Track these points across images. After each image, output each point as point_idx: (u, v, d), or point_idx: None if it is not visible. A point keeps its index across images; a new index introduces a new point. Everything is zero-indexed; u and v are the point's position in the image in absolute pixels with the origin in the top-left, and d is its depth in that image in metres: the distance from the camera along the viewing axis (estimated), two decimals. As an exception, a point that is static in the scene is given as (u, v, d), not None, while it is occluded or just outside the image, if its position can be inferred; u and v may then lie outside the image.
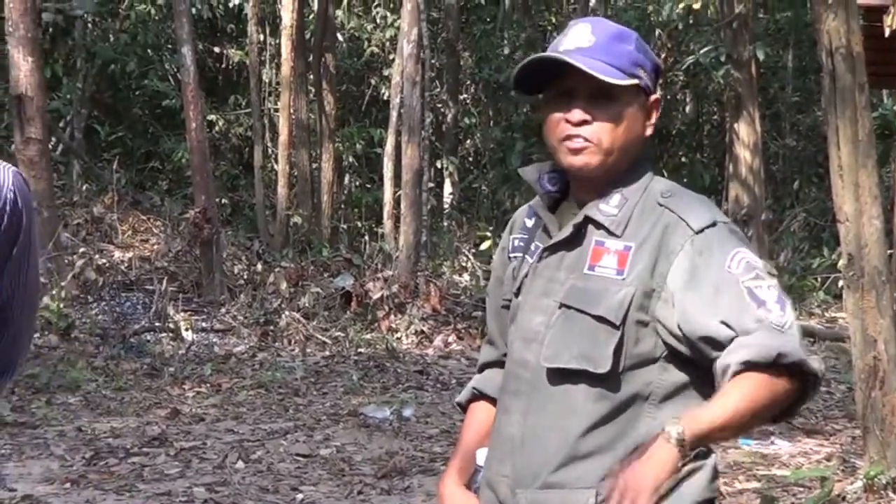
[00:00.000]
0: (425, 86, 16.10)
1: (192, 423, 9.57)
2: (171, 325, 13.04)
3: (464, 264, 16.50)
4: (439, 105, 23.41)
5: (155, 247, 16.17)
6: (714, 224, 2.50)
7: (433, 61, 19.22)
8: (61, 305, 12.71)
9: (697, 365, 2.49)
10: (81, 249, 14.72)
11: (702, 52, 20.00)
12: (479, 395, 2.89)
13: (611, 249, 2.53)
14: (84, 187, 18.50)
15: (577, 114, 2.52)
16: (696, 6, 16.49)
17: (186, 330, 12.97)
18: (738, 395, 2.38)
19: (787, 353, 2.39)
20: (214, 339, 13.10)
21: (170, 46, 22.15)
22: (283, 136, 19.72)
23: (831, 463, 8.26)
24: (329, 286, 14.60)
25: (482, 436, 2.79)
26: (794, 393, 2.43)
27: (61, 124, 20.26)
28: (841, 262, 8.12)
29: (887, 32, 8.16)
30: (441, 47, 23.81)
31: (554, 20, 26.07)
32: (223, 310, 13.89)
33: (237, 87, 23.90)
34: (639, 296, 2.48)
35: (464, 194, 24.56)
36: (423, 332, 13.75)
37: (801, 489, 7.58)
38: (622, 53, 2.55)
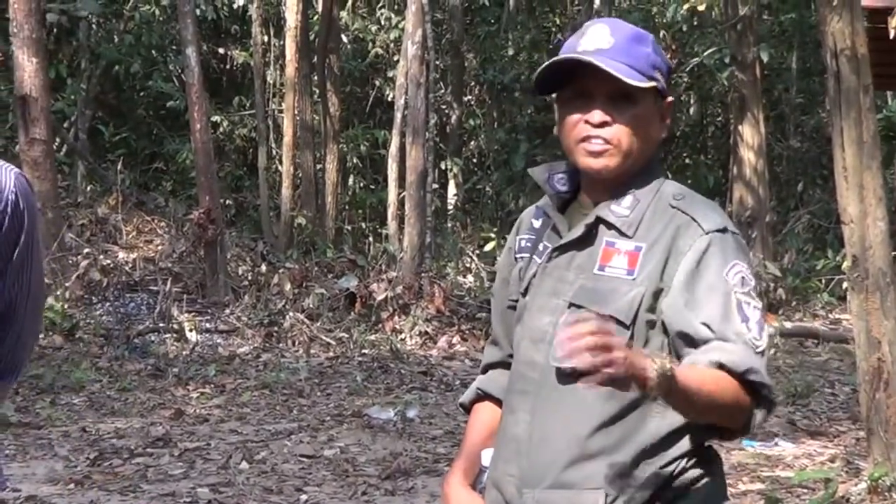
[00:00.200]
0: (429, 87, 16.10)
1: (196, 424, 9.58)
2: (176, 326, 13.05)
3: (468, 265, 16.49)
4: (443, 106, 23.39)
5: (159, 248, 16.17)
6: (724, 230, 2.52)
7: (437, 63, 19.23)
8: (65, 306, 12.73)
9: None
10: (86, 250, 14.73)
11: (706, 53, 20.01)
12: (483, 396, 2.88)
13: (621, 250, 2.54)
14: (88, 188, 18.50)
15: (597, 115, 2.53)
16: (701, 8, 16.47)
17: (190, 331, 12.98)
18: (710, 378, 2.38)
19: (757, 372, 2.42)
20: (218, 340, 13.10)
21: (174, 47, 22.13)
22: (288, 137, 19.72)
23: (835, 464, 8.26)
24: (333, 287, 14.60)
25: (487, 436, 2.79)
26: (746, 414, 2.45)
27: (65, 125, 20.26)
28: (845, 264, 8.12)
29: (892, 34, 8.14)
30: (445, 49, 23.79)
31: (558, 21, 26.07)
32: (227, 311, 13.89)
33: (241, 89, 23.89)
34: (648, 296, 2.49)
35: (468, 195, 24.54)
36: (427, 333, 13.74)
37: (805, 491, 7.58)
38: (641, 56, 2.55)
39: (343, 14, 22.63)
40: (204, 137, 14.91)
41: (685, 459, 2.51)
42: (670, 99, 2.65)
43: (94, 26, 21.54)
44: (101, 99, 21.93)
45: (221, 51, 23.77)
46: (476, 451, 2.80)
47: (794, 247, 19.05)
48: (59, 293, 12.77)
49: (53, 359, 11.49)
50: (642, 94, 2.54)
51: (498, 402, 2.79)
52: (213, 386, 11.13)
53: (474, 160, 26.17)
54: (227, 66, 23.98)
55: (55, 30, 19.53)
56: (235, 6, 22.69)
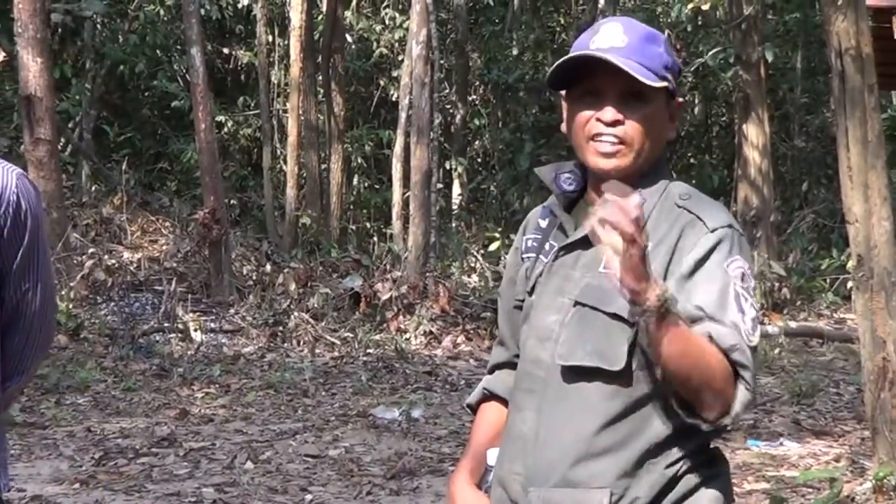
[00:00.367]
0: (434, 87, 16.11)
1: (201, 424, 9.59)
2: (180, 326, 13.06)
3: (472, 265, 16.50)
4: (448, 106, 23.40)
5: (164, 247, 16.18)
6: (729, 226, 2.51)
7: (442, 62, 19.22)
8: (70, 306, 12.75)
9: None
10: (90, 250, 14.75)
11: (710, 53, 20.00)
12: (489, 396, 2.88)
13: None
14: (93, 188, 18.54)
15: (610, 113, 2.52)
16: (705, 7, 16.48)
17: (195, 331, 12.99)
18: (701, 339, 2.36)
19: (743, 352, 2.39)
20: (223, 340, 13.11)
21: (179, 47, 22.17)
22: (292, 137, 19.75)
23: (840, 464, 8.26)
24: (338, 287, 14.61)
25: (493, 436, 2.79)
26: (726, 395, 2.40)
27: (70, 125, 20.29)
28: (850, 264, 8.12)
29: (897, 34, 8.14)
30: (450, 48, 23.81)
31: (563, 21, 26.09)
32: (232, 310, 13.90)
33: (246, 89, 23.92)
34: (652, 293, 2.48)
35: (472, 195, 24.57)
36: (431, 332, 13.75)
37: (810, 490, 7.58)
38: (654, 55, 2.55)
39: (348, 14, 22.64)
40: (208, 137, 14.92)
41: (690, 460, 2.51)
42: (680, 100, 2.65)
43: (98, 26, 21.57)
44: (105, 99, 21.96)
45: (226, 51, 23.80)
46: (482, 450, 2.79)
47: (799, 246, 19.05)
48: (63, 293, 12.78)
49: (58, 359, 11.50)
50: (654, 94, 2.54)
51: (504, 403, 2.79)
52: (217, 386, 11.14)
53: (479, 160, 26.19)
54: (232, 66, 24.01)
55: (60, 30, 19.56)
56: (240, 6, 22.72)
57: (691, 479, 2.51)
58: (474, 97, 25.58)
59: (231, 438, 9.08)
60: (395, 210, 18.35)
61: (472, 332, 13.88)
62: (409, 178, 16.59)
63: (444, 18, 22.85)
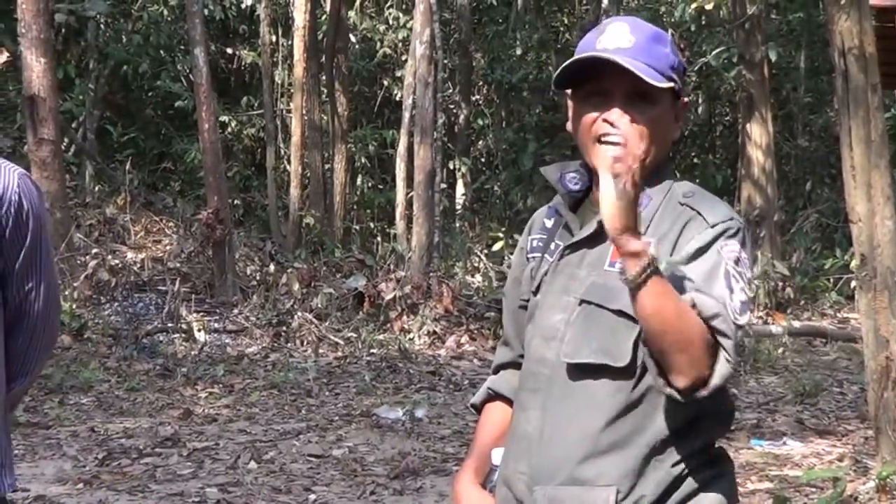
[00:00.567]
0: (438, 87, 16.10)
1: (204, 424, 9.59)
2: (184, 326, 13.07)
3: (476, 265, 16.49)
4: (451, 106, 23.41)
5: (167, 247, 16.19)
6: (731, 219, 2.51)
7: (445, 62, 19.21)
8: (74, 306, 12.75)
9: None
10: (94, 250, 14.75)
11: (714, 52, 19.97)
12: (494, 396, 2.89)
13: None
14: (97, 188, 18.54)
15: (616, 113, 2.53)
16: (709, 7, 16.47)
17: (199, 331, 12.99)
18: (684, 304, 2.35)
19: (725, 320, 2.35)
20: (227, 340, 13.12)
21: (182, 47, 22.17)
22: (296, 137, 19.75)
23: (843, 463, 8.25)
24: (341, 287, 14.61)
25: (497, 436, 2.80)
26: (705, 364, 2.36)
27: (74, 125, 20.30)
28: (853, 263, 8.12)
29: (900, 33, 8.15)
30: (453, 48, 23.81)
31: (566, 21, 26.09)
32: (236, 310, 13.91)
33: (250, 89, 23.93)
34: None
35: (476, 195, 24.56)
36: (435, 332, 13.75)
37: (814, 490, 7.58)
38: (661, 56, 2.56)
39: (351, 14, 22.66)
40: (212, 137, 14.92)
41: (696, 459, 2.51)
42: (685, 100, 2.66)
43: (102, 26, 21.59)
44: (109, 99, 21.97)
45: (230, 51, 23.81)
46: (487, 450, 2.80)
47: (803, 246, 19.03)
48: (67, 293, 12.79)
49: (62, 359, 11.51)
50: (660, 95, 2.54)
51: (509, 402, 2.79)
52: (221, 386, 11.14)
53: (482, 160, 26.19)
54: (236, 66, 24.02)
55: (63, 30, 19.57)
56: (244, 6, 22.73)
57: (696, 479, 2.51)
58: (478, 97, 25.59)
59: (235, 438, 9.08)
60: (399, 210, 18.35)
61: (475, 332, 13.88)
62: (412, 178, 16.59)
63: (447, 18, 22.84)
